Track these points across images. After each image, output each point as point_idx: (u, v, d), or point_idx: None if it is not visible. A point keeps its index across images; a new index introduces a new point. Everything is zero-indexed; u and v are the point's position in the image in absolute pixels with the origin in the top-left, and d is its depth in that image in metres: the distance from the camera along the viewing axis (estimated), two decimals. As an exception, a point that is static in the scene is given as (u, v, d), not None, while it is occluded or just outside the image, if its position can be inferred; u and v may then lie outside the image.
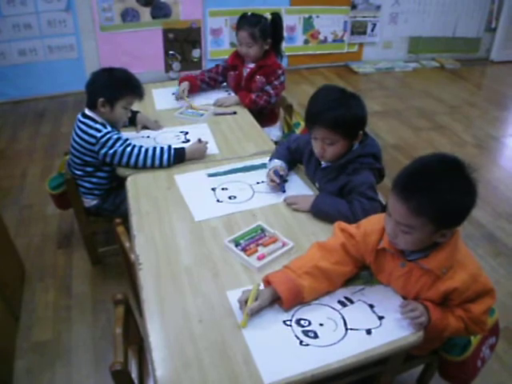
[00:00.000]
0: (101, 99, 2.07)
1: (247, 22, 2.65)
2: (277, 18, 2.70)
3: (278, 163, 1.95)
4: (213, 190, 1.92)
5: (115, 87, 2.10)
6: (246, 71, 2.77)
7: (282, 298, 1.32)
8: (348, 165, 1.74)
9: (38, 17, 4.29)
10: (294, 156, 2.01)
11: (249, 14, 2.69)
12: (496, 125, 4.41)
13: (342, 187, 1.76)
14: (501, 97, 5.07)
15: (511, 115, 4.75)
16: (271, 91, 2.69)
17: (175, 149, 2.09)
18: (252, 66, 2.74)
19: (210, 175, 2.01)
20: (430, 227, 1.21)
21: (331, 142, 1.71)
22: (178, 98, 2.73)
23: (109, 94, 2.08)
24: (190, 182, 1.97)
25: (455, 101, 4.87)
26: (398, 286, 1.39)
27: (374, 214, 1.52)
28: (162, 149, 2.07)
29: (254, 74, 2.73)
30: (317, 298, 1.38)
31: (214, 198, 1.87)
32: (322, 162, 1.85)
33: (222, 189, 1.92)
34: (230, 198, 1.87)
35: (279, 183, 1.88)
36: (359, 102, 1.71)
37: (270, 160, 2.01)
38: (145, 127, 2.41)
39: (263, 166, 2.07)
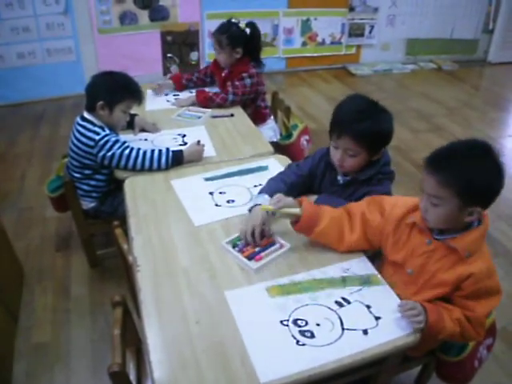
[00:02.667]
0: (100, 102, 2.08)
1: (218, 28, 2.73)
2: (251, 27, 2.72)
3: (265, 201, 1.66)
4: (210, 194, 1.91)
5: (115, 91, 2.11)
6: (222, 77, 2.83)
7: (300, 217, 1.51)
8: (373, 177, 1.70)
9: (36, 20, 4.30)
10: (296, 188, 1.79)
11: (227, 20, 2.74)
12: (494, 126, 4.42)
13: (360, 197, 1.68)
14: (498, 98, 5.09)
15: (509, 116, 4.77)
16: (229, 89, 2.70)
17: (173, 151, 2.09)
18: (226, 71, 2.80)
19: (207, 179, 2.01)
20: (457, 201, 1.27)
21: (353, 154, 1.64)
22: (157, 91, 2.90)
23: (108, 97, 2.09)
24: (187, 186, 1.96)
25: (453, 102, 4.88)
26: (415, 265, 1.41)
27: None
28: (160, 151, 2.07)
29: (226, 80, 2.78)
30: (320, 244, 1.56)
31: (212, 202, 1.87)
32: (339, 178, 1.76)
33: (220, 193, 1.92)
34: (228, 201, 1.86)
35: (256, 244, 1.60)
36: (389, 117, 1.64)
37: (260, 193, 1.76)
38: (143, 130, 2.41)
39: (260, 168, 2.08)
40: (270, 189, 1.74)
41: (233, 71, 2.75)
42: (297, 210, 1.53)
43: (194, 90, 2.86)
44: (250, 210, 1.68)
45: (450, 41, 5.87)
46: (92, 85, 2.14)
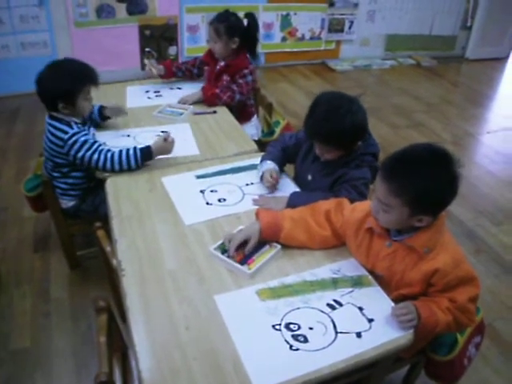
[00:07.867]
0: (60, 104, 1.99)
1: (216, 17, 2.67)
2: (250, 18, 2.68)
3: (271, 166, 1.91)
4: (201, 192, 1.87)
5: (68, 87, 1.99)
6: (216, 69, 2.76)
7: (260, 227, 1.51)
8: (350, 162, 1.76)
9: (9, 12, 4.16)
10: (288, 154, 2.00)
11: (224, 10, 2.70)
12: (472, 122, 4.46)
13: (336, 179, 1.78)
14: (476, 94, 5.14)
15: (487, 112, 4.81)
16: (235, 88, 2.66)
17: (141, 149, 2.02)
18: (222, 64, 2.73)
19: (199, 177, 1.97)
20: (406, 210, 1.28)
21: (327, 152, 1.75)
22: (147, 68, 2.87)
23: (65, 95, 1.99)
24: (177, 184, 1.92)
25: (432, 98, 4.92)
26: (383, 268, 1.43)
27: None
28: (127, 152, 1.99)
29: (222, 73, 2.72)
30: (293, 247, 1.55)
31: (203, 200, 1.83)
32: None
33: (211, 191, 1.88)
34: (219, 200, 1.83)
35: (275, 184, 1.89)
36: (353, 115, 1.64)
37: (262, 161, 1.97)
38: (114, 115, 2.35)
39: (252, 167, 2.04)
40: (271, 155, 1.97)
41: (230, 65, 2.68)
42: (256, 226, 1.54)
43: (200, 86, 2.78)
44: (261, 179, 1.90)
45: (429, 37, 5.90)
46: (43, 90, 2.01)
